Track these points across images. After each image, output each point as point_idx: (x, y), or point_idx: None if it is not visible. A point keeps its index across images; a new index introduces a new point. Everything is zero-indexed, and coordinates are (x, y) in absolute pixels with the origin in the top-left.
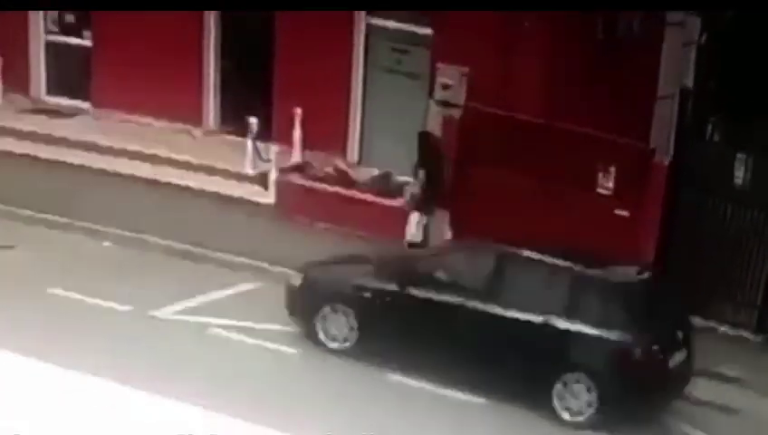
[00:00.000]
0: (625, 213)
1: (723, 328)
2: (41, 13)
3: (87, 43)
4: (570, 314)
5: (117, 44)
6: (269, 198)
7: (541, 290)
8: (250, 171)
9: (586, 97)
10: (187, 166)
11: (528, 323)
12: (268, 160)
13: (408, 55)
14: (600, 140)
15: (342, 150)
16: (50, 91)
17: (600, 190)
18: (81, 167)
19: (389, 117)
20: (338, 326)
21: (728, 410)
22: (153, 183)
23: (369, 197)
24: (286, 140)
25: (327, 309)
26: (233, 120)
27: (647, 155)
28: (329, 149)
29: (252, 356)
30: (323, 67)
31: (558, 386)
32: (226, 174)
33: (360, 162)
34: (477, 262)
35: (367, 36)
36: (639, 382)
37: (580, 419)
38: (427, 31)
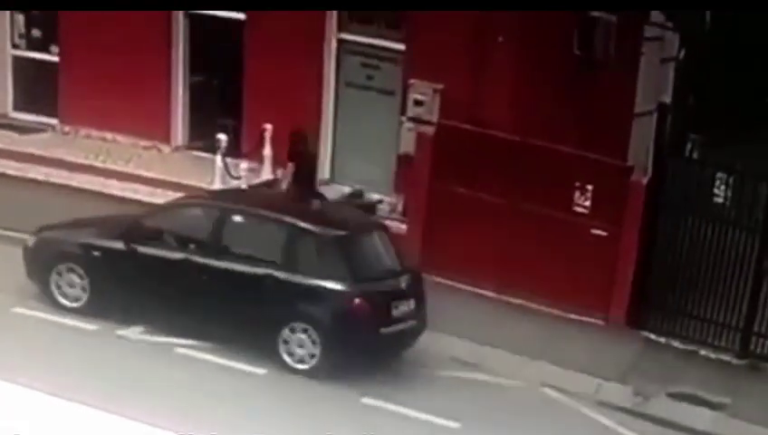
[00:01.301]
0: (602, 232)
1: (704, 352)
2: (7, 27)
3: (54, 58)
4: (290, 267)
5: (84, 59)
6: None
7: (263, 243)
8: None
9: (562, 113)
10: (155, 183)
11: (251, 275)
12: (238, 177)
13: (380, 71)
14: (577, 157)
15: None
16: (17, 107)
17: (577, 209)
18: (48, 183)
19: (361, 134)
20: (71, 285)
21: None
22: (121, 200)
23: None
24: (256, 156)
25: (59, 269)
26: (201, 136)
27: (624, 173)
28: None
29: (220, 377)
30: (294, 83)
31: (283, 336)
32: (195, 191)
33: (331, 180)
34: (202, 217)
35: (338, 52)
36: (360, 330)
37: (306, 367)
38: (400, 46)
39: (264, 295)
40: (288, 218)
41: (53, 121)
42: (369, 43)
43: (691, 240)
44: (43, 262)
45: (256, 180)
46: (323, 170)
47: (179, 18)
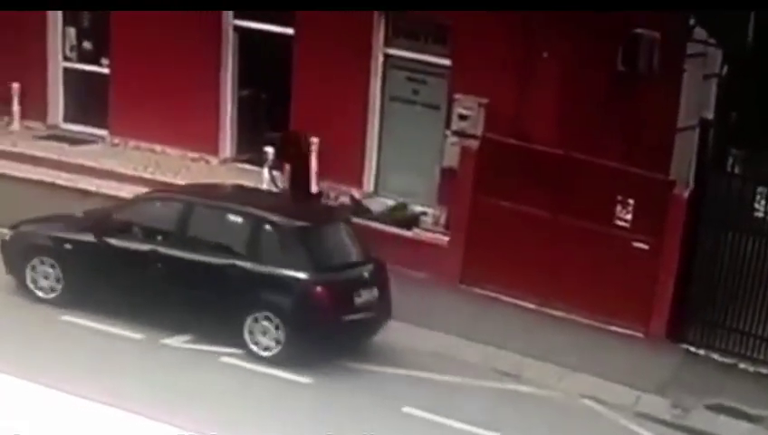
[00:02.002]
0: (644, 245)
1: (743, 365)
2: (59, 40)
3: (105, 70)
4: (254, 257)
5: (134, 72)
6: None
7: (227, 235)
8: None
9: (605, 128)
10: None
11: (216, 265)
12: (284, 189)
13: (426, 86)
14: (619, 171)
15: (358, 180)
16: (67, 119)
17: (619, 222)
18: (98, 194)
19: (406, 147)
20: (45, 277)
21: None
22: None
23: (384, 227)
24: None
25: (34, 261)
26: (249, 148)
27: (666, 187)
28: (344, 179)
29: (264, 385)
30: (340, 97)
31: (248, 324)
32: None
33: (375, 192)
34: (168, 210)
35: (384, 66)
36: (322, 318)
37: (271, 354)
38: (446, 61)
39: (228, 285)
40: (251, 210)
41: (103, 133)
42: (415, 58)
43: (731, 254)
44: (19, 255)
45: None
46: (368, 183)
47: (229, 32)
